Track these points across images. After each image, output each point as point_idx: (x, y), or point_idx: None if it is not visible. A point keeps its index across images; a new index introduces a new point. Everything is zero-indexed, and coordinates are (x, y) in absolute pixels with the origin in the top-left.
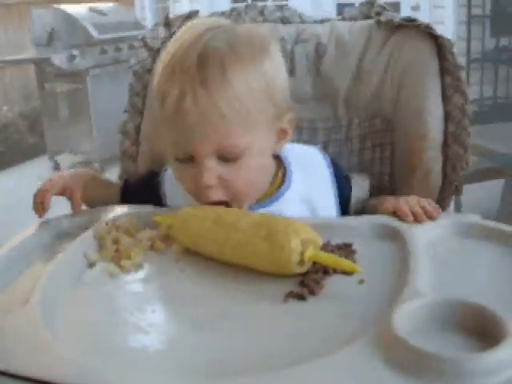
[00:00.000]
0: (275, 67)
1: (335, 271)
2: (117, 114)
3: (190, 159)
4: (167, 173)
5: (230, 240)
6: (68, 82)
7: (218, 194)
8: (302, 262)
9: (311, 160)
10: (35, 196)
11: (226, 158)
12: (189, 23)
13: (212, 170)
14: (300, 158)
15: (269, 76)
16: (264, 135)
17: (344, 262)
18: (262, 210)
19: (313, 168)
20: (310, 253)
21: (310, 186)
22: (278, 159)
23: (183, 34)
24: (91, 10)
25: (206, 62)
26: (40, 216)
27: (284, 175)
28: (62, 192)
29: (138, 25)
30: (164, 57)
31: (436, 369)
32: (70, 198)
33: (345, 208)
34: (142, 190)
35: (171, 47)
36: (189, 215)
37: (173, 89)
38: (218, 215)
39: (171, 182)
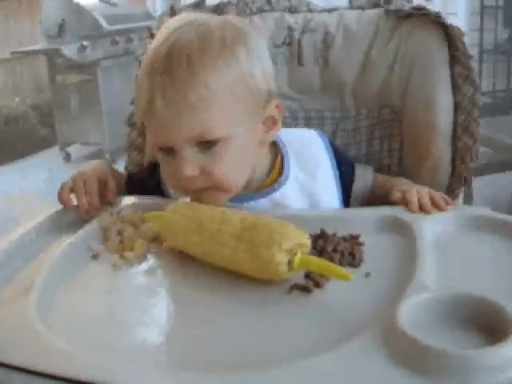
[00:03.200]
0: (252, 57)
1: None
2: (127, 106)
3: (170, 151)
4: None
5: (214, 252)
6: (79, 74)
7: (199, 183)
8: (291, 270)
9: (309, 145)
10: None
11: (205, 146)
12: (167, 21)
13: (192, 160)
14: (297, 144)
15: (244, 66)
16: (246, 124)
17: (336, 269)
18: (262, 200)
19: (311, 154)
20: (297, 262)
21: (309, 174)
22: (275, 147)
23: (159, 33)
24: (102, 0)
25: (172, 60)
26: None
27: (282, 164)
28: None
29: (148, 16)
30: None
31: (442, 364)
32: (103, 187)
33: (347, 192)
34: (145, 180)
35: (149, 47)
36: (173, 223)
37: (144, 88)
38: (199, 224)
39: None
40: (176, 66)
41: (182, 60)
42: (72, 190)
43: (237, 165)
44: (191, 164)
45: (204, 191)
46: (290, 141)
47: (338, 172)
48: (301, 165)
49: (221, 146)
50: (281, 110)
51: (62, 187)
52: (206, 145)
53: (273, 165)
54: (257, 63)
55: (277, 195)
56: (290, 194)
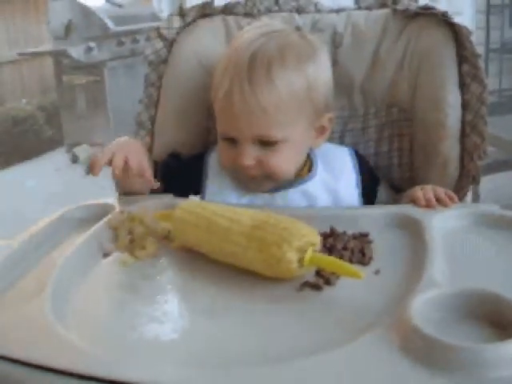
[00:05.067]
0: (318, 72)
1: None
2: (134, 106)
3: (233, 140)
4: (212, 154)
5: (225, 250)
6: (85, 75)
7: (254, 172)
8: (302, 267)
9: (335, 154)
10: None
11: (265, 143)
12: (246, 28)
13: (251, 152)
14: (324, 153)
15: (311, 80)
16: (302, 130)
17: (346, 267)
18: (292, 190)
19: (336, 163)
20: (307, 260)
21: (333, 176)
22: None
23: (240, 37)
24: (108, 1)
25: (254, 64)
26: (95, 174)
27: (310, 165)
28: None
29: (154, 16)
30: (223, 55)
31: (452, 358)
32: (141, 176)
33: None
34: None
35: (229, 48)
36: (183, 221)
37: (224, 82)
38: (210, 222)
39: (214, 163)
40: (257, 70)
41: (262, 65)
42: (109, 164)
43: (288, 161)
44: (250, 156)
45: (254, 179)
46: (318, 151)
47: (360, 182)
48: (326, 168)
49: (278, 146)
50: (331, 122)
51: (101, 156)
52: (266, 143)
53: (303, 164)
54: (321, 78)
55: (305, 187)
56: (316, 188)
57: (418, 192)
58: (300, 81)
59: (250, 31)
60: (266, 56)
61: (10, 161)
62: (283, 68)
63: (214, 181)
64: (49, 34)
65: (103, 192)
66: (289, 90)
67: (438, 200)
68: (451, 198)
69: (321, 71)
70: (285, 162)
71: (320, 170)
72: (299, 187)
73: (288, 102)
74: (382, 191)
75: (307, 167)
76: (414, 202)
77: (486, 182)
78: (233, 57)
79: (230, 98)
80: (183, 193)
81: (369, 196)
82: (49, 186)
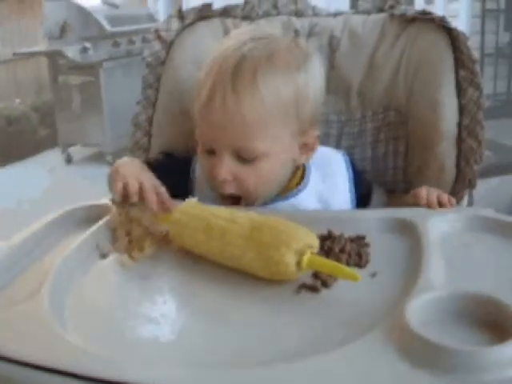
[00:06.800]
0: (308, 83)
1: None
2: (129, 107)
3: (212, 152)
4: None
5: (223, 252)
6: (81, 75)
7: (230, 189)
8: (300, 270)
9: (330, 162)
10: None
11: (243, 157)
12: (237, 30)
13: (228, 165)
14: (319, 159)
15: (299, 91)
16: (285, 146)
17: (343, 269)
18: (281, 204)
19: (331, 170)
20: (305, 262)
21: (326, 187)
22: None
23: (229, 39)
24: (104, 2)
25: (240, 70)
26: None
27: (303, 174)
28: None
29: (150, 18)
30: (208, 58)
31: (448, 361)
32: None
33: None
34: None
35: (215, 50)
36: (181, 223)
37: (207, 87)
38: (208, 224)
39: (200, 172)
40: (242, 76)
41: (248, 72)
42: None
43: (267, 179)
44: (226, 169)
45: (227, 197)
46: (314, 156)
47: (354, 191)
48: (321, 177)
49: (257, 162)
50: (317, 141)
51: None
52: (245, 158)
53: (294, 174)
54: (311, 90)
55: (296, 200)
56: (307, 201)
57: (423, 191)
58: (287, 90)
59: (239, 35)
60: (253, 62)
61: (3, 161)
62: (270, 75)
63: (200, 189)
64: (44, 33)
65: (98, 193)
66: (275, 99)
67: (440, 203)
68: (451, 204)
69: (311, 80)
70: (263, 180)
71: (313, 177)
72: (290, 200)
73: (272, 112)
74: (376, 199)
75: (298, 178)
76: (415, 198)
77: (479, 186)
78: (218, 61)
79: (211, 104)
80: (174, 193)
81: (362, 205)
82: (42, 186)
